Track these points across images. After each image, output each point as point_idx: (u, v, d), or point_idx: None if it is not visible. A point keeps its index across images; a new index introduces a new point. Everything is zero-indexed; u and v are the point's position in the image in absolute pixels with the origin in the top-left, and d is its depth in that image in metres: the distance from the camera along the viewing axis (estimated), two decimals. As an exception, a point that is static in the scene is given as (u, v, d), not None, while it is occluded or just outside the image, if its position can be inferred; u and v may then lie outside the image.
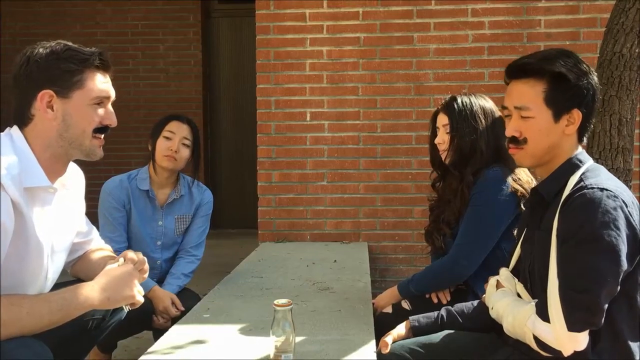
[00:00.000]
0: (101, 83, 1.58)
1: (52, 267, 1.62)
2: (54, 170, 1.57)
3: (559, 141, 1.48)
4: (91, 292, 1.48)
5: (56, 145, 1.54)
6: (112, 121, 1.60)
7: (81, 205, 1.80)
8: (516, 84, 1.50)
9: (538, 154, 1.50)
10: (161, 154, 2.49)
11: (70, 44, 1.56)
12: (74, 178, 1.73)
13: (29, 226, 1.47)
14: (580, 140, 1.51)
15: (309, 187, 3.79)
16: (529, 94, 1.47)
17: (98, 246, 1.90)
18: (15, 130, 1.53)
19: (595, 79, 1.49)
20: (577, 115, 1.46)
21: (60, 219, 1.63)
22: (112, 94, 1.62)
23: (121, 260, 1.63)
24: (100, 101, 1.58)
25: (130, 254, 1.66)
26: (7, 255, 1.41)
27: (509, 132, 1.51)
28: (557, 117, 1.46)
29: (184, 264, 2.58)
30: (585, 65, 1.48)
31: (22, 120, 1.53)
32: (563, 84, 1.44)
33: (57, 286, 1.61)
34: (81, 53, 1.55)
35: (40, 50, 1.52)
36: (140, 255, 1.67)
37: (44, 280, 1.59)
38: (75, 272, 1.84)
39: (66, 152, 1.56)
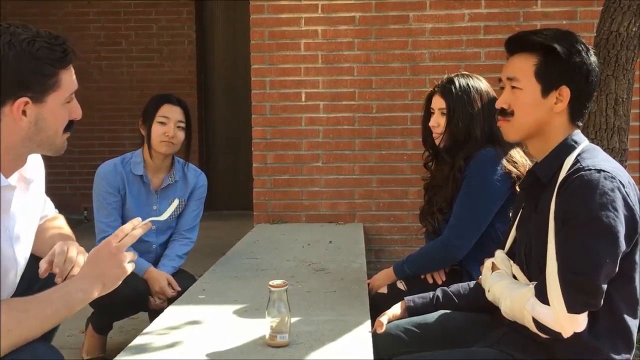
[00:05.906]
0: (72, 79, 1.42)
1: (21, 262, 1.52)
2: (11, 167, 1.41)
3: (547, 118, 1.48)
4: (87, 285, 1.38)
5: (21, 147, 1.39)
6: (79, 115, 1.48)
7: (41, 191, 1.66)
8: (513, 57, 1.53)
9: (524, 128, 1.51)
10: (158, 139, 2.47)
11: (37, 32, 1.35)
12: (33, 166, 1.57)
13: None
14: (572, 121, 1.50)
15: (304, 168, 3.78)
16: (520, 66, 1.49)
17: (52, 218, 1.75)
18: None
19: (593, 60, 1.47)
20: (565, 92, 1.45)
21: (23, 213, 1.51)
22: (77, 84, 1.48)
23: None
24: (71, 98, 1.45)
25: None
26: None
27: (499, 103, 1.54)
28: (545, 92, 1.46)
29: (178, 246, 2.59)
30: (582, 45, 1.47)
31: None
32: (554, 59, 1.44)
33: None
34: (54, 50, 1.36)
35: (9, 48, 1.29)
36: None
37: (14, 278, 1.48)
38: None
39: (30, 151, 1.44)
